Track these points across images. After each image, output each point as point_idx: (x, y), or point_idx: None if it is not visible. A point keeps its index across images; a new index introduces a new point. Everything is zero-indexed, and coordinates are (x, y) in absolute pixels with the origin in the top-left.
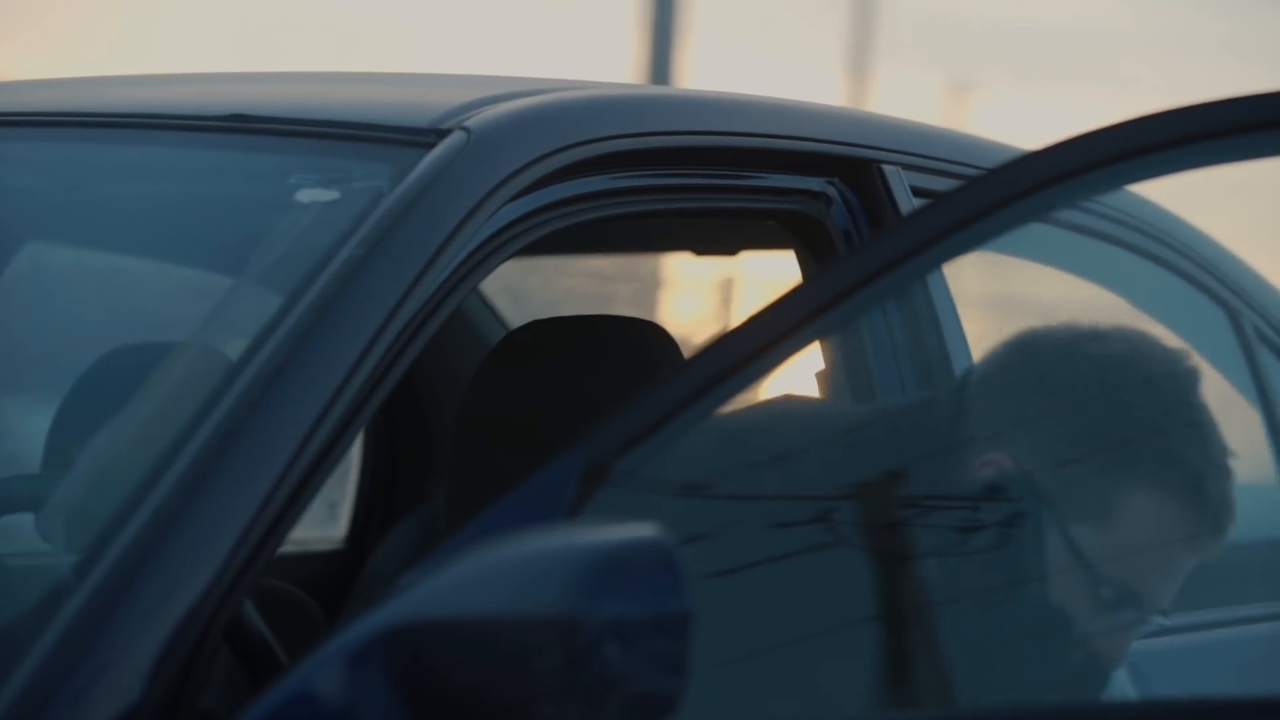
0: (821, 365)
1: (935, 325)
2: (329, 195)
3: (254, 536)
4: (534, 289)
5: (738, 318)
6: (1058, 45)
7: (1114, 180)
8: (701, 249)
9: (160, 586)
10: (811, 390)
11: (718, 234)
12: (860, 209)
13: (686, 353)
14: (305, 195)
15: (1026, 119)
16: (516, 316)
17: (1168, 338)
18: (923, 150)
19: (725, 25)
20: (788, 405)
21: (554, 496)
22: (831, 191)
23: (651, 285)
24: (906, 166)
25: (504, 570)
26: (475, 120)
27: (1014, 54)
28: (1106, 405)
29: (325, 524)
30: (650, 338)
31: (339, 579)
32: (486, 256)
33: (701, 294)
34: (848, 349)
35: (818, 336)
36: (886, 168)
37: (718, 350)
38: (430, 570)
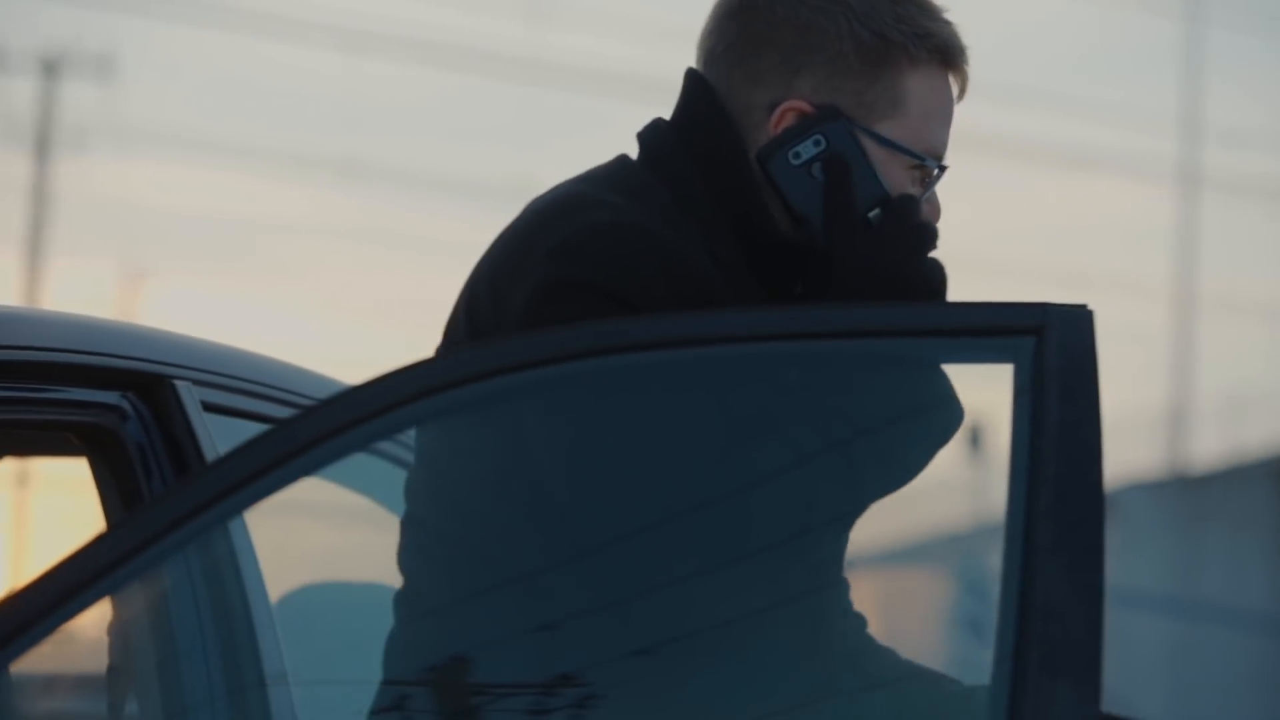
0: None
1: (236, 572)
2: None
3: None
4: None
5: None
6: (232, 235)
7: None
8: None
9: None
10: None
11: (16, 445)
12: (154, 423)
13: None
14: None
15: (200, 305)
16: None
17: None
18: (213, 367)
19: None
20: None
21: None
22: (126, 406)
23: None
24: (198, 382)
25: None
26: None
27: (189, 242)
28: None
29: None
30: None
31: None
32: None
33: None
34: (150, 598)
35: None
36: (179, 383)
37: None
38: None
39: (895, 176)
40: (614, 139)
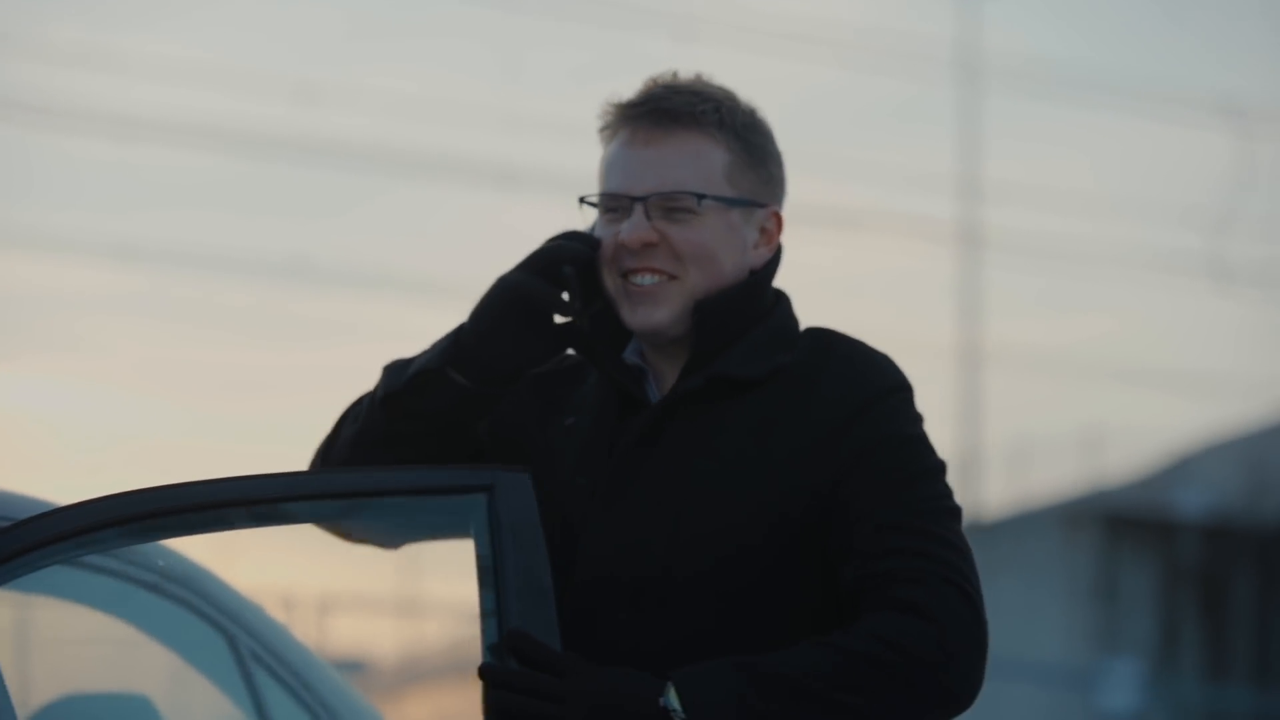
0: None
1: None
2: None
3: None
4: None
5: None
6: (14, 316)
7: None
8: None
9: None
10: None
11: None
12: None
13: None
14: None
15: None
16: None
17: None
18: None
19: None
20: None
21: None
22: None
23: None
24: None
25: None
26: None
27: None
28: None
29: None
30: None
31: None
32: None
33: None
34: None
35: None
36: None
37: None
38: None
39: (600, 226)
40: (381, 213)
